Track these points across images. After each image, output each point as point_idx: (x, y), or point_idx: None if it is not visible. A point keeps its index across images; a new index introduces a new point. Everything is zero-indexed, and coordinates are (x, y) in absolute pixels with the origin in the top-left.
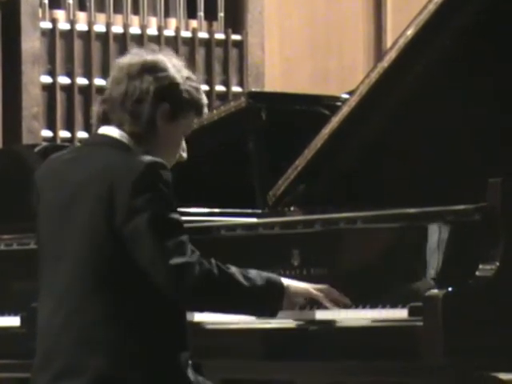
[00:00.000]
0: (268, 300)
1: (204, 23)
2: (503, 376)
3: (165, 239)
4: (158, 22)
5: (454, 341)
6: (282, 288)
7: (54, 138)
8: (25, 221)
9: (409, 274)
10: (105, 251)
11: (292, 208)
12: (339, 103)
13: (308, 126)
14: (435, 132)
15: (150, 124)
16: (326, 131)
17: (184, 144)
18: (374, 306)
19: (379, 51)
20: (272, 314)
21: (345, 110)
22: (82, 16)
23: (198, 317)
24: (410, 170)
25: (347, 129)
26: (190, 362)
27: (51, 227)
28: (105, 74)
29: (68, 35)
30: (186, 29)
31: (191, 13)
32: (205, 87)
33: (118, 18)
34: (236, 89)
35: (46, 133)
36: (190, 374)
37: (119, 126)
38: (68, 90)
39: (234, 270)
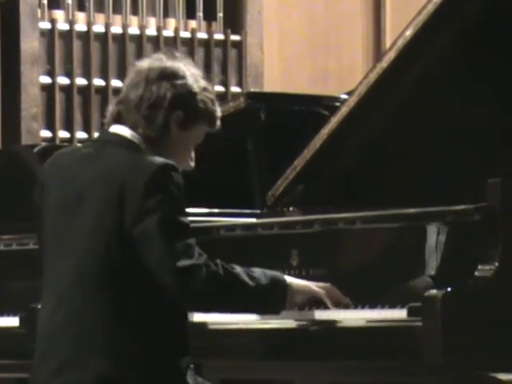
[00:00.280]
0: (272, 298)
1: (203, 23)
2: (502, 376)
3: (173, 241)
4: (157, 23)
5: (453, 341)
6: (285, 286)
7: (53, 139)
8: (24, 221)
9: (408, 274)
10: (109, 251)
11: (291, 208)
12: (338, 103)
13: (307, 127)
14: (435, 132)
15: (164, 129)
16: (325, 131)
17: (192, 153)
18: (373, 306)
19: (378, 51)
20: (275, 312)
21: (344, 111)
22: (81, 16)
23: (198, 317)
24: (410, 171)
25: (346, 129)
26: (191, 365)
27: (56, 225)
28: (104, 74)
29: (67, 35)
30: (185, 29)
31: (190, 13)
32: None
33: (117, 19)
34: (235, 89)
35: (45, 133)
36: (190, 377)
37: (133, 127)
38: (67, 90)
39: (238, 269)
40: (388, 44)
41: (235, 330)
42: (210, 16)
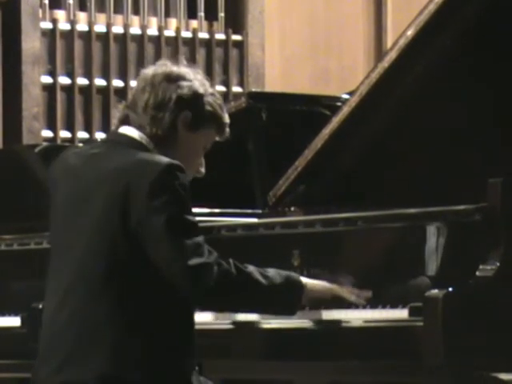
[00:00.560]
0: (287, 298)
1: (204, 23)
2: (503, 376)
3: (182, 240)
4: (158, 22)
5: (454, 341)
6: (300, 286)
7: (54, 139)
8: (25, 221)
9: (409, 274)
10: (113, 251)
11: (292, 208)
12: (339, 103)
13: (308, 127)
14: (436, 132)
15: (171, 129)
16: (327, 131)
17: (203, 159)
18: (374, 306)
19: (379, 51)
20: (291, 312)
21: (345, 111)
22: (82, 16)
23: (198, 317)
24: (411, 170)
25: (347, 129)
26: (196, 368)
27: (61, 224)
28: (105, 74)
29: (68, 35)
30: (187, 29)
31: (191, 13)
32: None
33: (119, 18)
34: (236, 89)
35: (47, 133)
36: (194, 378)
37: (140, 128)
38: (68, 90)
39: (252, 268)
40: (389, 44)
41: (236, 330)
42: (211, 16)
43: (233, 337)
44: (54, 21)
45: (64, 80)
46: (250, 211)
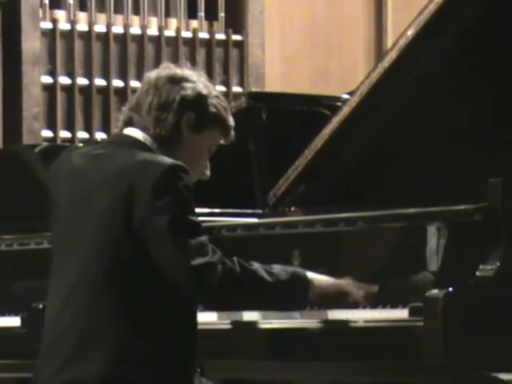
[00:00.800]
0: (293, 295)
1: (204, 23)
2: (503, 376)
3: (185, 241)
4: (158, 22)
5: (454, 341)
6: (306, 281)
7: (54, 139)
8: (25, 221)
9: (409, 274)
10: (116, 251)
11: (292, 208)
12: (340, 103)
13: (308, 126)
14: (436, 132)
15: (175, 130)
16: (327, 131)
17: (208, 162)
18: (374, 306)
19: (380, 51)
20: (298, 308)
21: (345, 110)
22: (82, 16)
23: (199, 317)
24: (411, 170)
25: (348, 129)
26: (198, 369)
27: (64, 224)
28: (105, 74)
29: (68, 35)
30: (187, 29)
31: (192, 13)
32: None
33: (119, 18)
34: (236, 89)
35: (47, 133)
36: (197, 381)
37: (144, 129)
38: (68, 90)
39: (257, 266)
40: (389, 44)
41: (236, 330)
42: (211, 16)
43: (233, 337)
44: (54, 21)
45: (64, 80)
46: (250, 211)
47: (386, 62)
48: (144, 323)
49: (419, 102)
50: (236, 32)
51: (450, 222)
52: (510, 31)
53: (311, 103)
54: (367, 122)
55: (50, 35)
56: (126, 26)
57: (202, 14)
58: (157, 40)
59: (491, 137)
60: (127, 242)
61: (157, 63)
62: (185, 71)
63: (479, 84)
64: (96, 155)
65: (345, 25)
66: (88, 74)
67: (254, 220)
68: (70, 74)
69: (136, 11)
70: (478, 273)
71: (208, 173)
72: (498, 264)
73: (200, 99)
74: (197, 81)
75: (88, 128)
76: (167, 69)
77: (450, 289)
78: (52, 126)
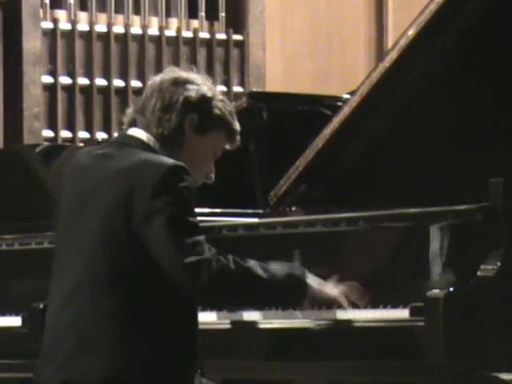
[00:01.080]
0: (290, 291)
1: (205, 23)
2: (504, 376)
3: (180, 239)
4: (159, 22)
5: (455, 341)
6: (303, 275)
7: (55, 138)
8: (26, 221)
9: (410, 274)
10: (118, 251)
11: (293, 208)
12: (340, 103)
13: (309, 126)
14: (437, 132)
15: (178, 130)
16: (328, 131)
17: (213, 166)
18: (375, 306)
19: (380, 51)
20: (295, 305)
21: (346, 110)
22: (83, 16)
23: (199, 317)
24: (412, 170)
25: (348, 129)
26: (198, 370)
27: (66, 223)
28: (106, 73)
29: (69, 35)
30: (187, 29)
31: (192, 13)
32: None
33: (120, 18)
34: (237, 89)
35: (47, 133)
36: (197, 381)
37: (147, 129)
38: (69, 90)
39: (252, 263)
40: (390, 43)
41: (236, 330)
42: (212, 16)
43: (233, 337)
44: (55, 21)
45: (65, 80)
46: (250, 211)
47: (387, 62)
48: (144, 323)
49: (420, 101)
50: (237, 32)
51: (451, 221)
52: (510, 31)
53: (312, 103)
54: (368, 122)
55: (51, 35)
56: (127, 26)
57: (202, 13)
58: (157, 40)
59: (492, 137)
60: (128, 242)
61: (157, 63)
62: (190, 74)
63: (480, 84)
64: (99, 155)
65: (345, 25)
66: (89, 74)
67: (255, 220)
68: (71, 73)
69: (137, 11)
70: (478, 273)
71: (213, 176)
72: (499, 264)
73: (204, 101)
74: (201, 84)
75: (89, 128)
76: (172, 72)
77: (451, 289)
78: (53, 125)
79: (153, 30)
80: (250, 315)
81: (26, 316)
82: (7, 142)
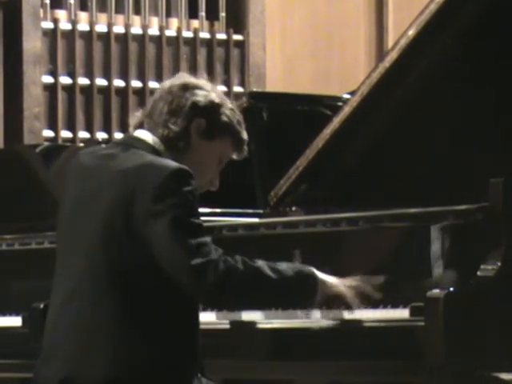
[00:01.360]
0: (299, 291)
1: (205, 23)
2: (504, 376)
3: (185, 241)
4: (159, 22)
5: (455, 341)
6: (314, 279)
7: (55, 138)
8: (26, 221)
9: (410, 274)
10: (120, 251)
11: (293, 208)
12: (340, 103)
13: (309, 126)
14: (437, 132)
15: (184, 134)
16: (328, 131)
17: (217, 174)
18: (375, 305)
19: (381, 51)
20: (305, 305)
21: (346, 110)
22: (83, 16)
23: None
24: (412, 170)
25: (349, 129)
26: (198, 374)
27: (68, 223)
28: (106, 74)
29: (69, 35)
30: (188, 29)
31: (193, 13)
32: None
33: (120, 18)
34: (237, 89)
35: (48, 133)
36: (197, 381)
37: (153, 131)
38: (69, 90)
39: (260, 263)
40: (390, 43)
41: (236, 330)
42: (212, 16)
43: (233, 337)
44: (55, 20)
45: (65, 80)
46: (251, 211)
47: (387, 62)
48: (145, 323)
49: (420, 101)
50: (237, 32)
51: (451, 221)
52: (510, 31)
53: (312, 103)
54: (368, 122)
55: (51, 35)
56: (127, 26)
57: (202, 13)
58: (158, 40)
59: (492, 137)
60: (128, 243)
61: (158, 63)
62: (200, 80)
63: (480, 84)
64: (104, 155)
65: (346, 24)
66: (89, 74)
67: (255, 220)
68: (71, 73)
69: (137, 11)
70: (478, 273)
71: (217, 184)
72: (499, 264)
73: (212, 107)
74: (210, 90)
75: (89, 128)
76: (181, 77)
77: (451, 289)
78: (53, 125)
79: (153, 30)
80: (249, 315)
81: (27, 316)
82: (7, 141)
